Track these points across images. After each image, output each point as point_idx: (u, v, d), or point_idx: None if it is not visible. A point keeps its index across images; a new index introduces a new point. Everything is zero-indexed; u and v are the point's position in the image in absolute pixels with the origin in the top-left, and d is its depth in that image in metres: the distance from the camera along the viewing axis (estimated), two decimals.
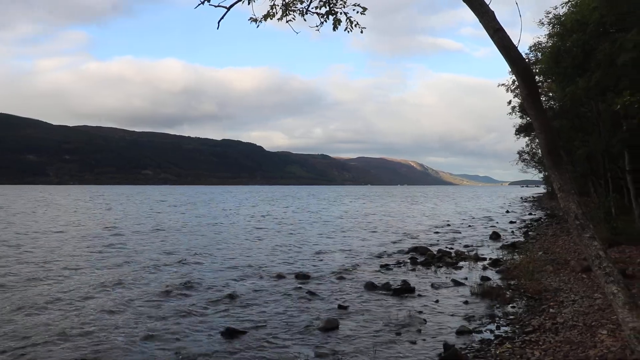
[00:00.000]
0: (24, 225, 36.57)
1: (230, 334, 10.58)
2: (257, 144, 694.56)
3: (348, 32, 9.96)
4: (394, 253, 23.18)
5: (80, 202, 79.05)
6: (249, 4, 9.66)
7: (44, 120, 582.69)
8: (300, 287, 15.26)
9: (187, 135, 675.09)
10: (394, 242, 27.64)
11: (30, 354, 9.46)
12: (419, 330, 10.90)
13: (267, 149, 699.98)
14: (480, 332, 10.63)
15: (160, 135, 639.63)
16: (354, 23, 9.78)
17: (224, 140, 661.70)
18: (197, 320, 11.73)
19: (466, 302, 13.28)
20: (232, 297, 13.88)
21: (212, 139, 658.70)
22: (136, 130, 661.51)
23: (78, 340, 10.22)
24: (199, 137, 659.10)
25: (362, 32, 9.87)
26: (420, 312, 12.40)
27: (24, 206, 64.35)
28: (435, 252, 22.44)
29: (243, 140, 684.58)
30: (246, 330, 10.85)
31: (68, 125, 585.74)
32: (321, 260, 21.15)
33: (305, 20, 10.12)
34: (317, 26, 10.19)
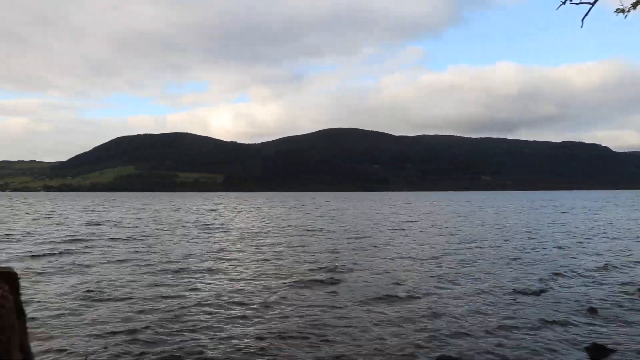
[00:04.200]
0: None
1: (597, 350, 9.73)
2: (602, 145, 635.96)
3: None
4: None
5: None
6: None
7: (387, 132, 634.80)
8: None
9: (523, 139, 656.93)
10: None
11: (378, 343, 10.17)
12: None
13: (614, 150, 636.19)
14: None
15: (497, 140, 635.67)
16: None
17: (563, 142, 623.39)
18: (555, 332, 11.12)
19: None
20: (593, 310, 12.82)
21: (551, 142, 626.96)
22: (472, 136, 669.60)
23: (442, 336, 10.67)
24: (536, 141, 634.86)
25: None
26: None
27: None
28: None
29: (586, 142, 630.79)
30: (615, 349, 9.86)
31: (408, 135, 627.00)
32: None
33: None
34: None
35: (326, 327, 11.39)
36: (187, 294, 14.75)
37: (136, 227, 40.29)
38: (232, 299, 14.08)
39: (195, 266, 19.92)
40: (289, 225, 42.03)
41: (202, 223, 44.70)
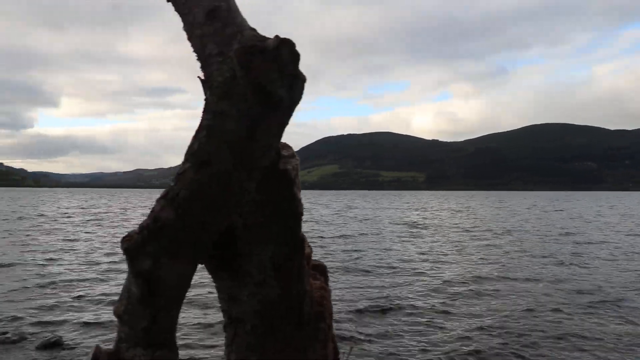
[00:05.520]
0: None
1: None
2: None
3: None
4: None
5: None
6: None
7: (600, 126, 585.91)
8: None
9: None
10: None
11: None
12: None
13: None
14: None
15: None
16: None
17: None
18: None
19: None
20: None
21: None
22: None
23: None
24: None
25: None
26: None
27: None
28: None
29: None
30: None
31: (626, 129, 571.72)
32: None
33: None
34: None
35: None
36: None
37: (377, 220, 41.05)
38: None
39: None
40: (525, 229, 38.37)
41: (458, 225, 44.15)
